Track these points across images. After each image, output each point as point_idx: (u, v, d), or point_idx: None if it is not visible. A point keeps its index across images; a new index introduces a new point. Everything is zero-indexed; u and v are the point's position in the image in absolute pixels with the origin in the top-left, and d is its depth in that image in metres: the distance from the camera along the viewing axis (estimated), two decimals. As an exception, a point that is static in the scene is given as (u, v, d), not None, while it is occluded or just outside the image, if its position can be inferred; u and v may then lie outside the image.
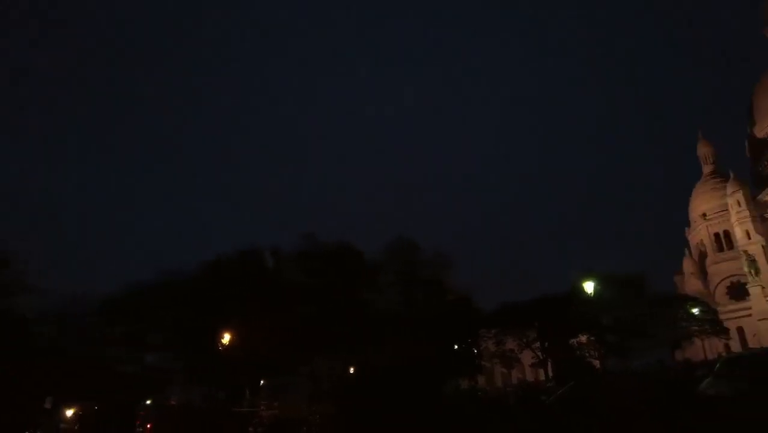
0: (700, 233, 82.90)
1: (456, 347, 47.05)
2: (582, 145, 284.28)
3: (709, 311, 56.66)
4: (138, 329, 37.50)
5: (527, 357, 55.85)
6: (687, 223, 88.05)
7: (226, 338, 32.78)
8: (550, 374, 48.26)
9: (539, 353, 50.37)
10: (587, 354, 47.31)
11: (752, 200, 69.56)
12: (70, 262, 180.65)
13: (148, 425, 20.85)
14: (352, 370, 41.94)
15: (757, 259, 64.34)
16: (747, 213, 67.78)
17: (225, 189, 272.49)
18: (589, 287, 32.50)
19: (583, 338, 49.62)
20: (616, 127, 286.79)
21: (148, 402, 34.62)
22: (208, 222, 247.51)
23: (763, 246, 65.92)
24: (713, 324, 54.45)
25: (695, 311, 52.90)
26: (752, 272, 63.04)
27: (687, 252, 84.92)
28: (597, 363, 49.39)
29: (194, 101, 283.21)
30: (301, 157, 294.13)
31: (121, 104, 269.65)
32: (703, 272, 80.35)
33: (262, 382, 27.52)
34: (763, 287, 62.16)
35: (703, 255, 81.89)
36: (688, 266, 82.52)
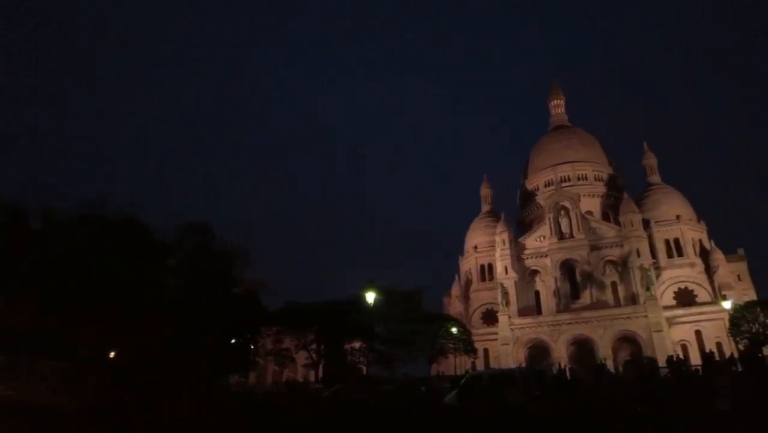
0: (470, 263, 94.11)
1: (233, 341, 46.26)
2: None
3: (466, 331, 64.34)
4: None
5: (302, 357, 57.02)
6: (462, 252, 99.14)
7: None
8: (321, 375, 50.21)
9: (314, 355, 52.00)
10: (357, 360, 50.19)
11: (515, 241, 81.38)
12: None
13: None
14: (112, 354, 38.79)
15: (509, 292, 75.08)
16: (508, 252, 79.03)
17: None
18: (369, 297, 34.75)
19: (357, 345, 52.48)
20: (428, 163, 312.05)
21: None
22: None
23: (516, 282, 77.49)
24: (466, 344, 61.85)
25: (454, 330, 59.69)
26: (503, 302, 73.33)
27: (457, 278, 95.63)
28: (365, 369, 52.79)
29: None
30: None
31: None
32: (466, 297, 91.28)
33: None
34: (510, 317, 72.62)
35: (469, 282, 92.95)
36: (455, 290, 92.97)
